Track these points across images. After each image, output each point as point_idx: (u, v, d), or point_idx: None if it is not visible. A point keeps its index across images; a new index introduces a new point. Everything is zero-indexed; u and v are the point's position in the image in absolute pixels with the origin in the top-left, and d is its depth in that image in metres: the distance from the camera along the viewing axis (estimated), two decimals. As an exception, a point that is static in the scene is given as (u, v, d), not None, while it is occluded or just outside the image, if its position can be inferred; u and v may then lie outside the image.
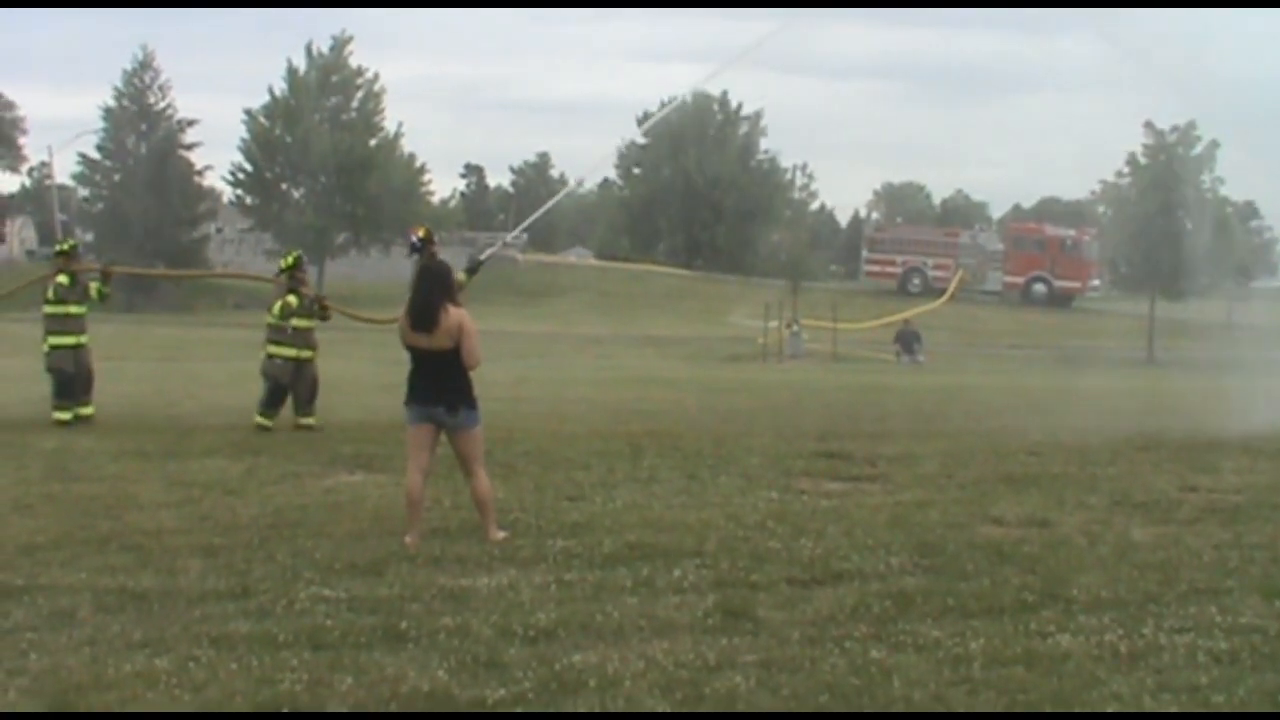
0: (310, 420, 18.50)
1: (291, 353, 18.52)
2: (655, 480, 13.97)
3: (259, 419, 18.32)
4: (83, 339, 19.06)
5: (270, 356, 18.62)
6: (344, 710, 6.68)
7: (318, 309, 18.97)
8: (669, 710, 6.72)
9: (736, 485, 13.74)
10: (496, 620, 8.23)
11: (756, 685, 7.10)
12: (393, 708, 6.68)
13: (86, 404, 18.95)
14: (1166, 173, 64.97)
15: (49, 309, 19.00)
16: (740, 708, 6.74)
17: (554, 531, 10.99)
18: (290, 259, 19.26)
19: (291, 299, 18.46)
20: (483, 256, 19.47)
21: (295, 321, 18.55)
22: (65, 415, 18.61)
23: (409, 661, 7.42)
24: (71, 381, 18.78)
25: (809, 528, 11.28)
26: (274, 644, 7.68)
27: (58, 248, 19.94)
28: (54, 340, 18.87)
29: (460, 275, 18.49)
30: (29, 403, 20.43)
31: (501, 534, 10.75)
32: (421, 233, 18.77)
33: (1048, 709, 6.81)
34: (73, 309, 18.98)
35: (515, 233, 20.85)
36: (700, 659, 7.52)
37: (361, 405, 20.95)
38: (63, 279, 18.96)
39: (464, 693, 6.90)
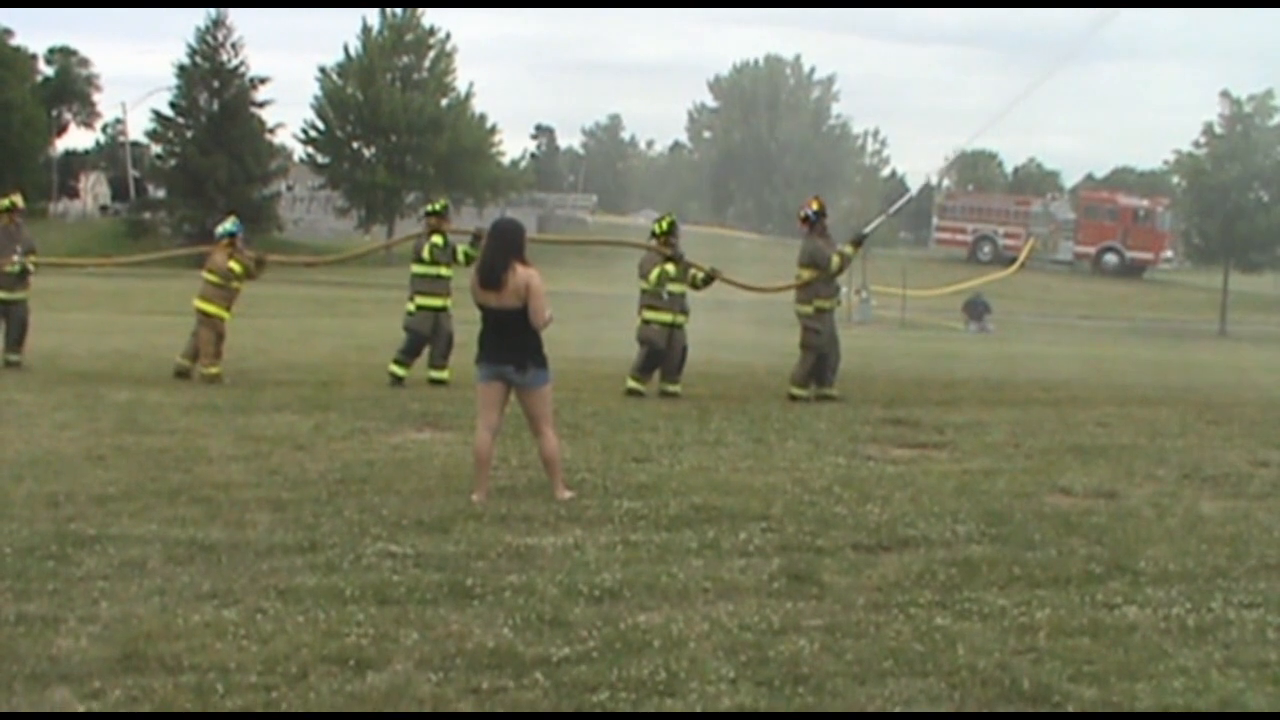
0: (676, 388, 18.49)
1: (668, 318, 18.40)
2: (722, 443, 13.97)
3: (633, 383, 18.35)
4: (448, 302, 19.01)
5: (647, 322, 18.48)
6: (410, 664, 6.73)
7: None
8: (734, 674, 6.73)
9: (803, 450, 13.72)
10: (562, 579, 8.25)
11: (820, 649, 7.09)
12: (458, 664, 6.71)
13: (443, 368, 18.99)
14: (1243, 143, 64.32)
15: (420, 269, 18.97)
16: (804, 671, 6.74)
17: (620, 492, 11.00)
18: (665, 223, 18.82)
19: (670, 267, 18.30)
20: (866, 230, 19.50)
21: (671, 287, 18.39)
22: (402, 371, 18.75)
23: (474, 618, 7.46)
24: (423, 343, 18.88)
25: (875, 494, 11.26)
26: (341, 598, 7.73)
27: (430, 208, 19.81)
28: (422, 301, 18.93)
29: (847, 248, 18.56)
30: (101, 356, 20.63)
31: (568, 494, 10.77)
32: (815, 205, 18.74)
33: (1113, 680, 6.77)
34: (443, 270, 18.94)
35: (877, 221, 20.75)
36: (765, 622, 7.52)
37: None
38: (438, 239, 18.88)
39: (528, 650, 6.92)
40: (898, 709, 6.36)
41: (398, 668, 6.66)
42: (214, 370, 18.60)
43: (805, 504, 10.77)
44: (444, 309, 18.94)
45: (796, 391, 18.33)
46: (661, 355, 18.35)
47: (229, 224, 19.80)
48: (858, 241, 18.86)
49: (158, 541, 8.93)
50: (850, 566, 8.87)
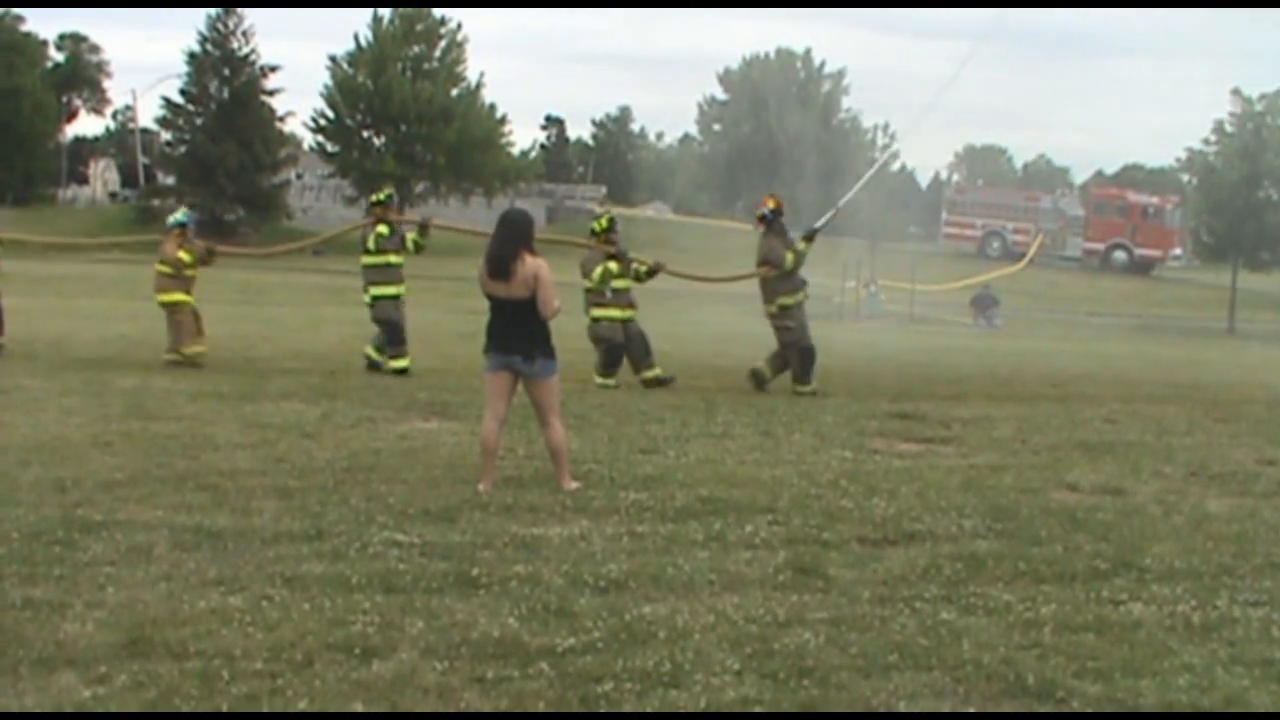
0: (654, 372, 18.70)
1: (617, 313, 18.53)
2: (729, 436, 13.97)
3: (601, 381, 18.40)
4: (402, 289, 19.16)
5: (596, 320, 18.62)
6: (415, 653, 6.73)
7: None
8: (739, 665, 6.73)
9: (810, 443, 13.72)
10: (567, 570, 8.26)
11: (826, 642, 7.09)
12: (463, 653, 6.72)
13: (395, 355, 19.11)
14: (1254, 142, 64.29)
15: (368, 259, 19.06)
16: (809, 664, 6.74)
17: (627, 483, 11.00)
18: (605, 221, 19.16)
19: (612, 265, 18.41)
20: (819, 224, 19.60)
21: (615, 284, 18.53)
22: (403, 363, 18.83)
23: (480, 608, 7.46)
24: (399, 328, 18.97)
25: (882, 488, 11.25)
26: (347, 586, 7.74)
27: (374, 198, 20.08)
28: (376, 291, 19.03)
29: (800, 244, 18.69)
30: (108, 342, 20.63)
31: (574, 484, 10.77)
32: (771, 204, 18.86)
33: (1118, 677, 6.77)
34: (393, 259, 19.05)
35: (829, 216, 20.69)
36: (770, 615, 7.52)
37: (438, 353, 21.08)
38: (383, 229, 19.02)
39: (534, 640, 6.93)
40: (902, 703, 6.36)
41: (403, 656, 6.66)
42: (197, 349, 18.72)
43: (811, 497, 10.77)
44: (399, 296, 19.06)
45: (800, 389, 18.36)
46: (622, 349, 18.45)
47: (180, 214, 20.14)
48: (809, 236, 19.01)
49: (164, 528, 8.94)
50: (856, 560, 8.87)
